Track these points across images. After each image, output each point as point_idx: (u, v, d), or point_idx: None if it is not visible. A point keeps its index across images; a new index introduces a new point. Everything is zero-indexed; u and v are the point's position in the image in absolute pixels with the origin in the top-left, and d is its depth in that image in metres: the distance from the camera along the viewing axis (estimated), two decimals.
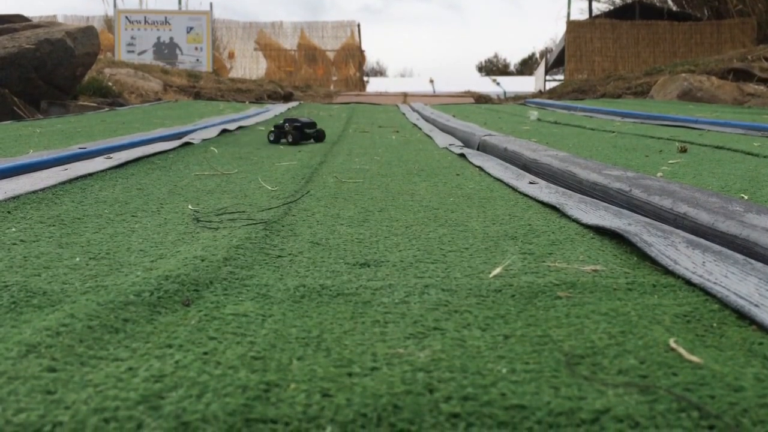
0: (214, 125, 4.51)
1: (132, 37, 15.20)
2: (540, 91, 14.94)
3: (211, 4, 19.60)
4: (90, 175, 2.21)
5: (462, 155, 3.08)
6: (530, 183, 2.12)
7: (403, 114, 7.35)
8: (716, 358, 0.76)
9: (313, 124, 3.53)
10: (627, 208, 1.70)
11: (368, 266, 1.16)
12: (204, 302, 0.94)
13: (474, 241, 1.36)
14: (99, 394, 0.64)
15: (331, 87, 15.67)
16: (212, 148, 3.24)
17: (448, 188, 2.10)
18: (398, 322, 0.88)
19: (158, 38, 15.27)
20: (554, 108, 8.48)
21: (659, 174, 2.32)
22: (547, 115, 6.83)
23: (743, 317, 0.90)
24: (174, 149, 3.10)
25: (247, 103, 9.69)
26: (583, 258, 1.22)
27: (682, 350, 0.77)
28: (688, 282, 1.05)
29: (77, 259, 1.18)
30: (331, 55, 16.32)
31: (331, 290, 1.01)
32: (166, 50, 15.22)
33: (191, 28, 15.30)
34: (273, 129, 3.51)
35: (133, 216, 1.59)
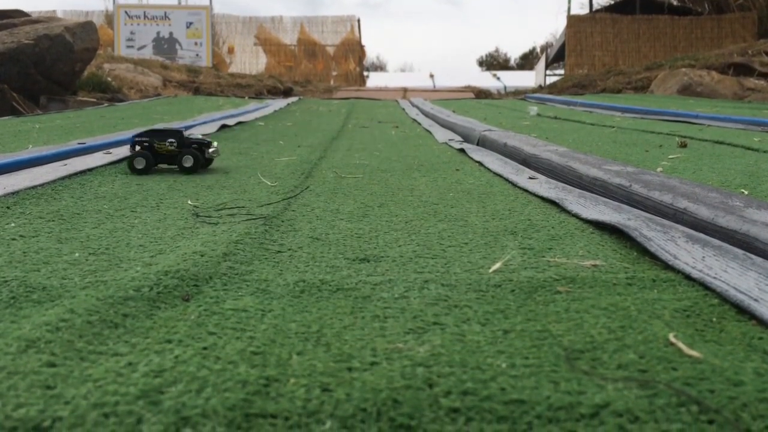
0: (213, 120, 4.50)
1: (131, 32, 15.17)
2: (540, 86, 14.93)
3: None
4: (89, 170, 2.21)
5: (462, 150, 3.08)
6: (530, 178, 2.12)
7: (403, 109, 7.34)
8: (716, 352, 0.76)
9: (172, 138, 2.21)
10: (627, 203, 1.70)
11: (368, 261, 1.16)
12: (203, 297, 0.94)
13: (474, 237, 1.36)
14: (98, 389, 0.64)
15: (331, 82, 15.64)
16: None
17: (447, 183, 2.09)
18: (398, 317, 0.88)
19: (158, 33, 15.23)
20: (554, 103, 8.47)
21: (659, 169, 2.32)
22: (547, 110, 6.83)
23: (743, 312, 0.90)
24: None
25: (246, 98, 9.68)
26: (583, 253, 1.22)
27: (681, 345, 0.77)
28: (688, 277, 1.05)
29: (77, 254, 1.18)
30: (330, 50, 16.29)
31: (330, 285, 1.01)
32: (166, 45, 15.19)
33: (191, 23, 15.27)
34: (139, 151, 2.23)
35: (132, 211, 1.59)
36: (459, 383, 0.67)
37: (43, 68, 6.37)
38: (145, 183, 2.02)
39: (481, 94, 13.01)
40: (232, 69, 15.59)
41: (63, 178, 2.02)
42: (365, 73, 17.62)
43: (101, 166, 2.31)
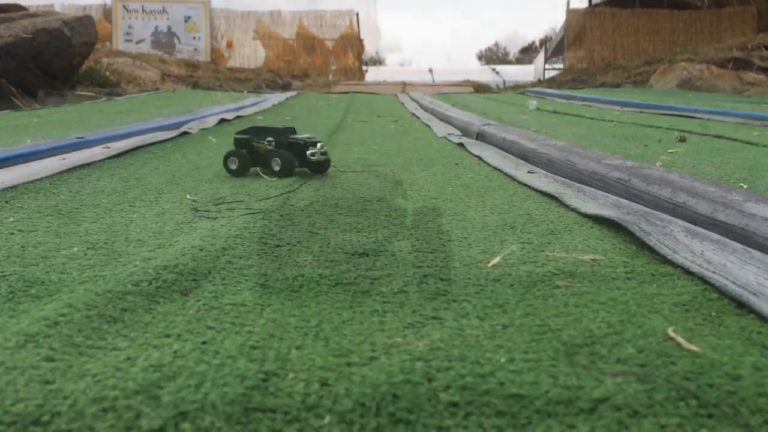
0: (212, 115, 4.49)
1: (129, 26, 15.11)
2: (539, 80, 14.90)
3: None
4: (88, 164, 2.20)
5: (461, 145, 3.08)
6: (529, 172, 2.11)
7: (402, 103, 7.33)
8: (715, 346, 0.76)
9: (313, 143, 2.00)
10: (626, 198, 1.70)
11: (367, 256, 1.16)
12: (202, 292, 0.94)
13: (472, 231, 1.36)
14: (97, 383, 0.64)
15: (330, 76, 15.60)
16: (210, 137, 3.23)
17: (446, 178, 2.09)
18: (397, 311, 0.88)
19: (156, 27, 15.18)
20: (553, 97, 8.45)
21: (658, 163, 2.32)
22: (546, 104, 6.82)
23: (742, 306, 0.90)
24: (172, 139, 3.09)
25: (245, 92, 9.66)
26: (582, 247, 1.22)
27: (680, 339, 0.77)
28: (687, 271, 1.05)
29: (75, 248, 1.18)
30: (329, 44, 16.24)
31: (329, 280, 1.01)
32: (164, 39, 15.14)
33: (189, 17, 15.21)
34: (235, 150, 2.04)
35: (131, 206, 1.59)
36: (458, 378, 0.67)
37: (41, 62, 6.35)
38: (144, 178, 2.01)
39: (480, 88, 12.99)
40: (231, 63, 15.54)
41: (61, 173, 2.01)
42: (364, 68, 17.57)
43: (100, 160, 2.30)
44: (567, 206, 1.60)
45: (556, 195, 1.70)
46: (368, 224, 1.42)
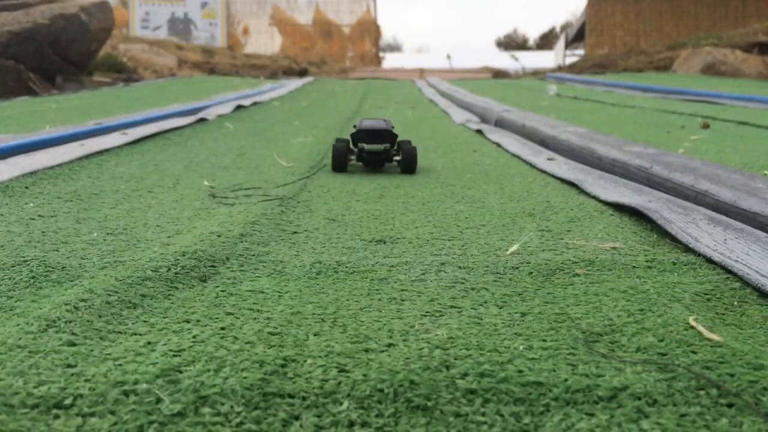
0: (228, 101, 4.50)
1: (146, 13, 15.16)
2: (559, 66, 14.71)
3: None
4: (106, 150, 2.22)
5: (479, 131, 3.05)
6: (548, 159, 2.09)
7: (420, 89, 7.29)
8: (736, 336, 0.75)
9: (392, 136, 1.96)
10: (647, 185, 1.67)
11: (384, 243, 1.16)
12: (221, 278, 0.95)
13: (491, 218, 1.35)
14: (118, 367, 0.64)
15: (347, 63, 15.55)
16: (227, 124, 3.24)
17: (465, 164, 2.08)
18: (415, 299, 0.87)
19: (172, 14, 15.21)
20: (574, 83, 8.35)
21: (681, 150, 2.28)
22: (567, 90, 6.74)
23: (765, 296, 0.88)
24: (189, 125, 3.10)
25: (261, 78, 9.67)
26: (602, 235, 1.20)
27: (701, 328, 0.76)
28: (709, 260, 1.03)
29: (95, 234, 1.19)
30: (346, 30, 16.17)
31: (347, 267, 1.01)
32: (181, 26, 15.18)
33: (206, 4, 15.22)
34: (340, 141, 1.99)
35: (149, 192, 1.60)
36: (476, 365, 0.66)
37: (59, 48, 6.39)
38: (162, 164, 2.03)
39: (499, 74, 12.87)
40: (247, 49, 15.55)
41: (80, 159, 2.03)
42: (381, 54, 17.49)
43: (118, 146, 2.32)
44: (587, 193, 1.59)
45: (576, 182, 1.68)
46: (386, 211, 1.42)
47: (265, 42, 16.14)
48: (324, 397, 0.61)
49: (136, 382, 0.61)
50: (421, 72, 13.06)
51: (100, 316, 0.77)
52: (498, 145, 2.56)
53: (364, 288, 0.92)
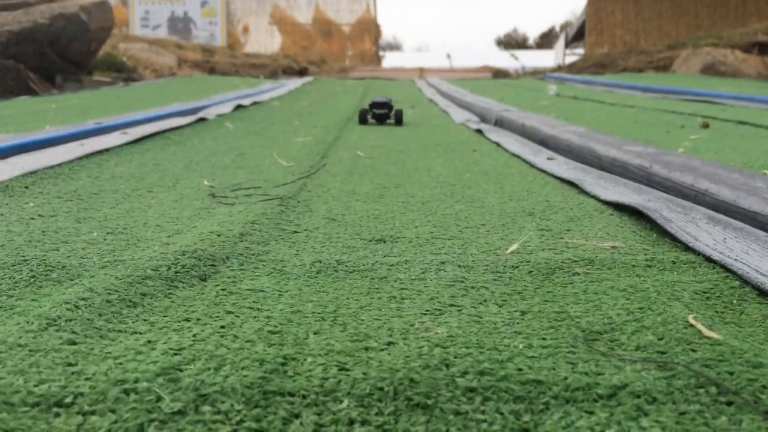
0: (228, 100, 4.50)
1: (146, 12, 15.16)
2: (559, 66, 14.70)
3: None
4: (106, 150, 2.22)
5: (479, 131, 3.05)
6: (548, 159, 2.09)
7: (420, 89, 7.29)
8: (736, 334, 0.75)
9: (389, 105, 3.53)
10: (647, 185, 1.67)
11: (384, 242, 1.16)
12: (221, 277, 0.95)
13: (491, 218, 1.35)
14: (118, 366, 0.65)
15: (347, 62, 15.55)
16: (227, 123, 3.24)
17: (464, 164, 2.08)
18: (414, 298, 0.87)
19: (172, 13, 15.21)
20: (574, 82, 8.35)
21: (681, 150, 2.28)
22: (567, 89, 6.74)
23: (764, 294, 0.88)
24: (189, 125, 3.10)
25: (261, 78, 9.66)
26: (602, 234, 1.21)
27: (701, 327, 0.76)
28: (709, 259, 1.03)
29: (95, 233, 1.19)
30: (346, 29, 16.17)
31: (347, 266, 1.02)
32: (180, 25, 15.18)
33: (205, 2, 15.22)
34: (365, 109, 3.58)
35: (149, 191, 1.60)
36: (476, 363, 0.66)
37: (59, 48, 6.39)
38: (162, 163, 2.03)
39: (499, 74, 12.87)
40: (247, 49, 15.54)
41: (80, 158, 2.03)
42: (381, 53, 17.48)
43: (118, 146, 2.32)
44: (587, 193, 1.59)
45: (576, 182, 1.68)
46: (385, 210, 1.42)
47: (264, 41, 16.13)
48: (324, 395, 0.61)
49: (136, 381, 0.61)
50: (421, 71, 13.06)
51: (100, 315, 0.78)
52: (498, 144, 2.56)
53: (364, 287, 0.92)
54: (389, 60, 18.84)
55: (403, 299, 0.87)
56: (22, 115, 3.57)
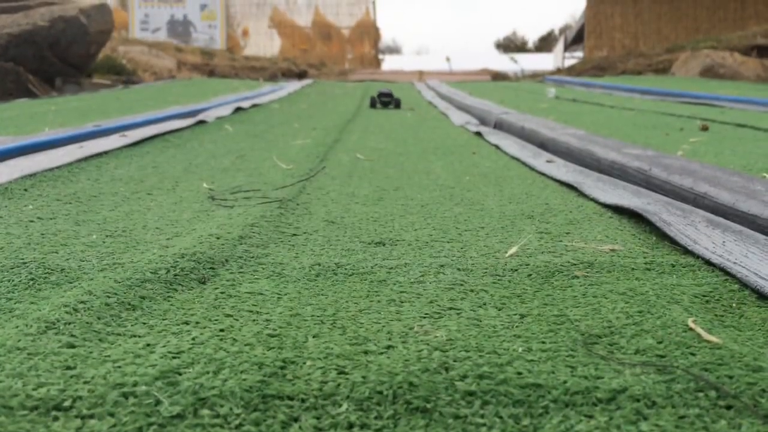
0: (227, 103, 4.51)
1: (145, 15, 15.18)
2: (558, 69, 14.72)
3: None
4: (105, 153, 2.22)
5: (478, 133, 3.06)
6: (547, 161, 2.10)
7: (419, 92, 7.30)
8: (735, 338, 0.75)
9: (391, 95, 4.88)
10: (646, 188, 1.68)
11: (383, 245, 1.16)
12: (220, 280, 0.95)
13: (490, 221, 1.35)
14: (117, 369, 0.64)
15: (346, 65, 15.56)
16: (226, 126, 3.24)
17: (464, 167, 2.08)
18: (414, 301, 0.87)
19: (172, 16, 15.23)
20: (573, 85, 8.36)
21: (680, 153, 2.29)
22: (566, 92, 6.75)
23: (763, 297, 0.88)
24: (188, 127, 3.11)
25: (261, 80, 9.67)
26: (601, 237, 1.21)
27: (700, 330, 0.76)
28: (708, 262, 1.03)
29: (94, 236, 1.19)
30: (345, 32, 16.18)
31: (346, 269, 1.01)
32: (180, 28, 15.19)
33: (205, 6, 15.24)
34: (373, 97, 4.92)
35: (148, 194, 1.60)
36: (475, 367, 0.66)
37: (58, 50, 6.39)
38: (161, 166, 2.03)
39: (498, 76, 12.88)
40: (247, 52, 15.55)
41: (79, 161, 2.03)
42: (380, 56, 17.50)
43: (117, 148, 2.32)
44: (586, 196, 1.59)
45: (575, 184, 1.69)
46: (385, 213, 1.42)
47: (264, 44, 16.14)
48: (323, 398, 0.61)
49: (135, 384, 0.61)
50: (421, 74, 13.07)
51: (99, 318, 0.77)
52: (497, 147, 2.56)
53: (363, 290, 0.92)
54: (389, 63, 18.85)
55: (402, 302, 0.87)
56: (21, 117, 3.57)
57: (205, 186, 1.70)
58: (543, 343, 0.73)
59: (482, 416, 0.59)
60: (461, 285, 0.94)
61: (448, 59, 16.01)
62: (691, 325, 0.78)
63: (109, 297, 0.83)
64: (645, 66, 10.78)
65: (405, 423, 0.58)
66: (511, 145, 2.54)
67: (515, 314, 0.83)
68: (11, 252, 1.07)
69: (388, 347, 0.72)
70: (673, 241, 1.16)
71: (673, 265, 1.03)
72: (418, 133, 3.14)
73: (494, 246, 1.15)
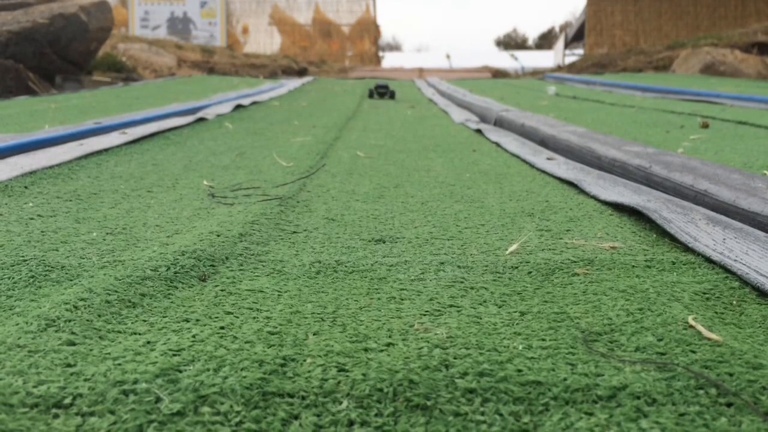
0: (228, 100, 4.50)
1: (145, 12, 15.16)
2: (559, 66, 14.70)
3: None
4: (105, 150, 2.22)
5: (478, 131, 3.05)
6: (548, 159, 2.09)
7: (419, 89, 7.29)
8: (735, 335, 0.75)
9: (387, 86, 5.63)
10: (646, 185, 1.67)
11: (384, 242, 1.16)
12: (220, 278, 0.95)
13: (490, 218, 1.35)
14: (118, 367, 0.65)
15: (346, 62, 15.55)
16: (226, 123, 3.24)
17: (464, 164, 2.08)
18: (414, 298, 0.87)
19: (172, 13, 15.21)
20: (573, 83, 8.35)
21: (680, 150, 2.28)
22: (566, 89, 6.74)
23: (764, 295, 0.88)
24: (188, 124, 3.10)
25: (261, 78, 9.66)
26: (601, 235, 1.21)
27: (700, 327, 0.76)
28: (708, 259, 1.03)
29: (94, 234, 1.19)
30: (346, 29, 16.17)
31: (346, 266, 1.01)
32: (180, 25, 15.17)
33: (205, 3, 15.22)
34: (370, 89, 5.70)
35: (148, 191, 1.60)
36: (475, 364, 0.66)
37: (58, 48, 6.39)
38: (161, 163, 2.03)
39: (499, 74, 12.87)
40: (247, 49, 15.54)
41: (79, 158, 2.03)
42: (380, 53, 17.48)
43: (117, 146, 2.32)
44: (586, 193, 1.59)
45: (576, 182, 1.68)
46: (385, 211, 1.42)
47: (264, 41, 16.13)
48: (323, 396, 0.61)
49: (135, 382, 0.61)
50: (421, 71, 13.06)
51: (99, 316, 0.77)
52: (497, 144, 2.56)
53: (363, 287, 0.92)
54: (389, 60, 18.84)
55: (402, 300, 0.87)
56: (21, 114, 3.57)
57: (206, 183, 1.70)
58: (543, 340, 0.73)
59: (482, 413, 0.59)
60: (461, 282, 0.94)
61: (448, 56, 15.99)
62: (692, 322, 0.78)
63: (109, 294, 0.83)
64: (645, 63, 10.77)
65: (405, 420, 0.58)
66: (511, 142, 2.54)
67: (515, 311, 0.83)
68: (11, 249, 1.07)
69: (389, 344, 0.72)
70: (673, 239, 1.16)
71: (674, 263, 1.03)
72: (418, 130, 3.14)
73: (494, 243, 1.15)
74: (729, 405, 0.60)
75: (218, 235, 1.13)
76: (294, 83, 7.97)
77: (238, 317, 0.79)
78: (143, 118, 3.10)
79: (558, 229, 1.25)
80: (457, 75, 12.22)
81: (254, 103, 4.71)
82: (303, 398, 0.60)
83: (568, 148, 2.36)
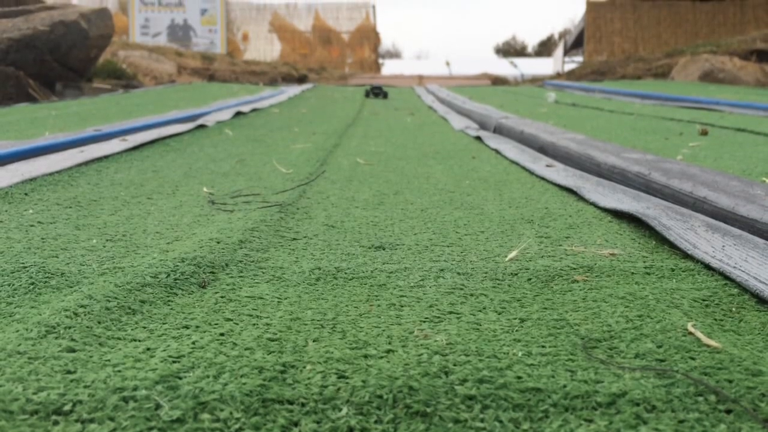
0: (228, 107, 4.51)
1: (146, 19, 15.21)
2: (558, 73, 14.75)
3: None
4: (105, 157, 2.22)
5: (478, 138, 3.06)
6: (547, 166, 2.10)
7: (419, 96, 7.31)
8: (735, 342, 0.75)
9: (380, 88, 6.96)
10: (646, 192, 1.68)
11: (383, 249, 1.16)
12: (220, 284, 0.95)
13: (490, 225, 1.35)
14: (117, 374, 0.65)
15: (346, 69, 15.59)
16: (226, 130, 3.25)
17: (463, 171, 2.08)
18: (414, 305, 0.88)
19: (172, 20, 15.27)
20: (572, 90, 8.38)
21: (679, 157, 2.29)
22: (566, 97, 6.76)
23: (763, 302, 0.88)
24: (188, 131, 3.11)
25: (261, 85, 9.69)
26: (601, 242, 1.21)
27: (700, 334, 0.77)
28: (707, 266, 1.03)
29: (94, 240, 1.19)
30: (345, 37, 16.22)
31: (346, 273, 1.02)
32: (180, 32, 15.22)
33: (205, 10, 15.28)
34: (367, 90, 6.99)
35: (148, 198, 1.60)
36: (475, 371, 0.66)
37: (59, 55, 6.40)
38: (161, 170, 2.03)
39: (498, 81, 12.91)
40: (247, 56, 15.59)
41: (80, 165, 2.04)
42: (380, 61, 17.53)
43: (117, 153, 2.33)
44: (585, 200, 1.59)
45: (575, 189, 1.69)
46: (385, 218, 1.42)
47: (264, 48, 16.18)
48: (323, 403, 0.61)
49: (135, 388, 0.61)
50: (420, 79, 13.10)
51: (99, 322, 0.77)
52: (497, 151, 2.56)
53: (363, 294, 0.92)
54: (389, 67, 18.88)
55: (402, 306, 0.87)
56: (21, 122, 3.57)
57: (205, 190, 1.70)
58: (543, 347, 0.73)
59: (482, 420, 0.59)
60: (461, 289, 0.94)
61: (447, 64, 16.03)
62: (691, 329, 0.78)
63: (109, 301, 0.83)
64: (644, 70, 10.80)
65: (405, 427, 0.58)
66: (510, 149, 2.55)
67: (515, 318, 0.83)
68: (11, 256, 1.07)
69: (388, 351, 0.72)
70: (672, 246, 1.16)
71: (673, 270, 1.03)
72: (417, 137, 3.15)
73: (494, 250, 1.15)
74: (728, 412, 0.60)
75: (218, 242, 1.13)
76: (294, 90, 7.98)
77: (237, 324, 0.79)
78: (143, 125, 3.11)
79: (557, 235, 1.25)
80: (456, 82, 12.26)
81: (254, 110, 4.72)
82: (303, 405, 0.60)
83: (567, 155, 2.36)
